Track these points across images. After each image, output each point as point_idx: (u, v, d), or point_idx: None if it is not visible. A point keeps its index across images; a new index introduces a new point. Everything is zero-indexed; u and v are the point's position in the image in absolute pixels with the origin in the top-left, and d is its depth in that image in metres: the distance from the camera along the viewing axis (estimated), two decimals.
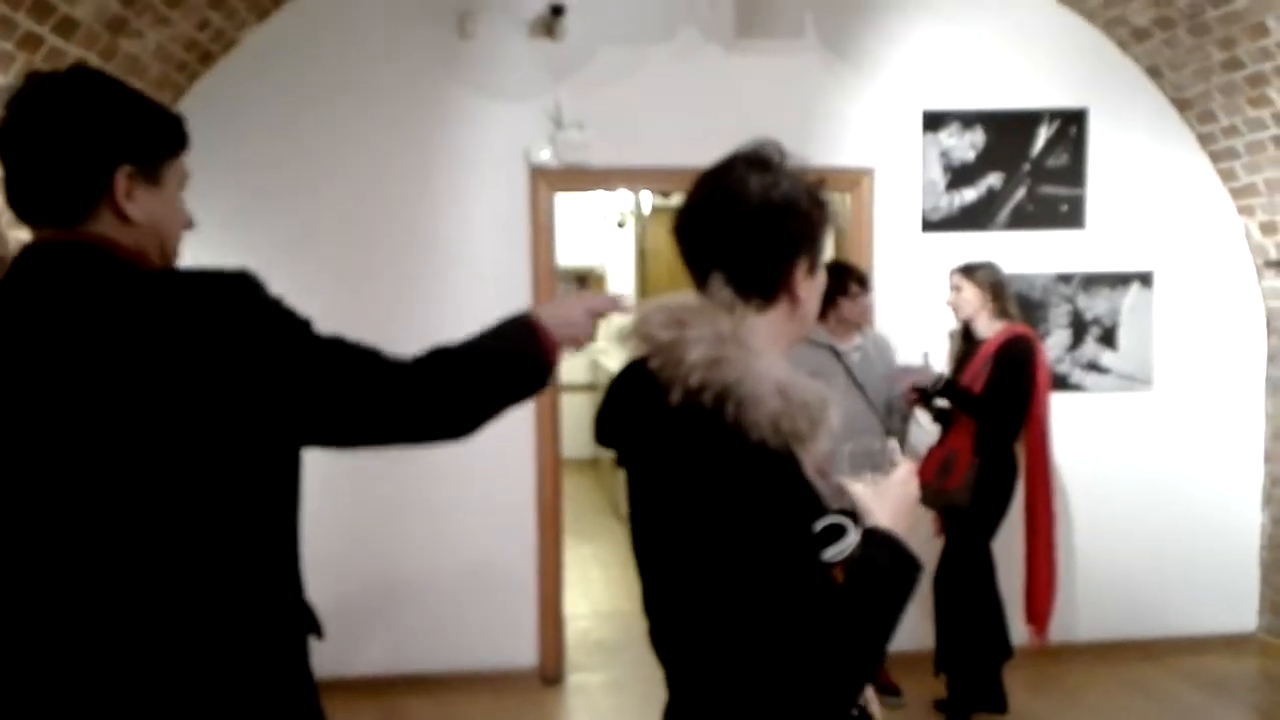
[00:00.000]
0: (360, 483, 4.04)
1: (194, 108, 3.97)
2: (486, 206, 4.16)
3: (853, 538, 1.24)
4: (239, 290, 1.28)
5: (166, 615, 1.23)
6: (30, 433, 1.21)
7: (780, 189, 1.29)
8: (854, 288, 3.83)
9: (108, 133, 1.28)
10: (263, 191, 4.04)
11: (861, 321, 3.90)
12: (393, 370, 1.35)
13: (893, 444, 1.37)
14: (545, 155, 4.12)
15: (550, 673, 4.25)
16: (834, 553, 1.22)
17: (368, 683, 4.06)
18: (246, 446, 1.25)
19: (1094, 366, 4.46)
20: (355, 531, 4.08)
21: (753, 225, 1.28)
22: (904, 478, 1.32)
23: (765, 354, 1.24)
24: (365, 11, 4.06)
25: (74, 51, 3.05)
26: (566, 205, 4.91)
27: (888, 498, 1.30)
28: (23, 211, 1.30)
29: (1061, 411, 4.22)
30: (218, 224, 3.99)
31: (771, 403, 1.18)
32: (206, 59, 3.91)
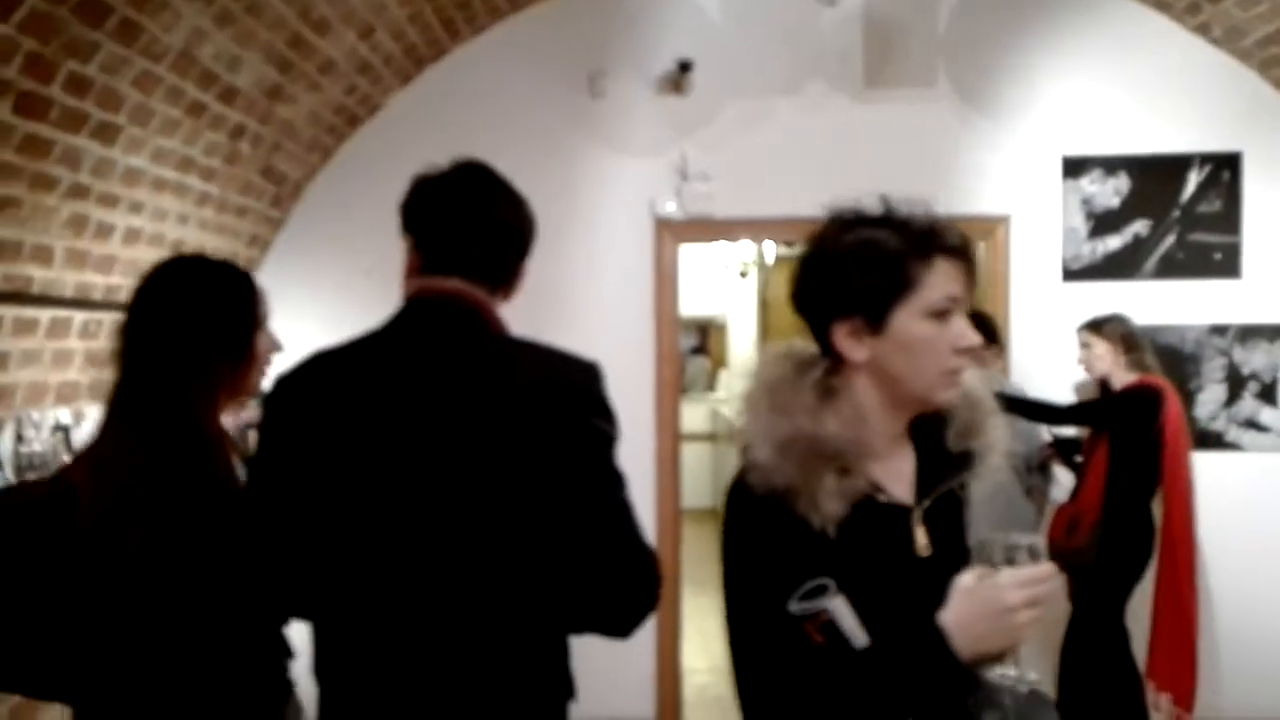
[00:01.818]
0: None
1: (340, 169, 4.20)
2: (614, 258, 4.22)
3: (827, 601, 1.19)
4: (592, 375, 1.53)
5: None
6: (432, 445, 1.45)
7: (837, 244, 1.30)
8: None
9: (530, 231, 1.76)
10: (403, 250, 4.21)
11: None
12: (637, 550, 1.48)
13: (1036, 540, 1.24)
14: (670, 207, 4.17)
15: None
16: (799, 608, 1.19)
17: None
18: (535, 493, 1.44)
19: (1252, 424, 4.16)
20: None
21: (798, 281, 1.33)
22: (1012, 581, 1.16)
23: (798, 410, 1.24)
24: (501, 75, 4.22)
25: (235, 117, 3.27)
26: (691, 256, 4.95)
27: (974, 598, 1.17)
28: (466, 263, 1.58)
29: (1215, 471, 3.95)
30: (360, 280, 4.19)
31: (761, 455, 1.22)
32: (353, 122, 4.13)
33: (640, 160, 4.20)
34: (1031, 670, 1.22)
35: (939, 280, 1.23)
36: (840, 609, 1.18)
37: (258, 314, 1.74)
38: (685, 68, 4.07)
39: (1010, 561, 1.19)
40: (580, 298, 4.20)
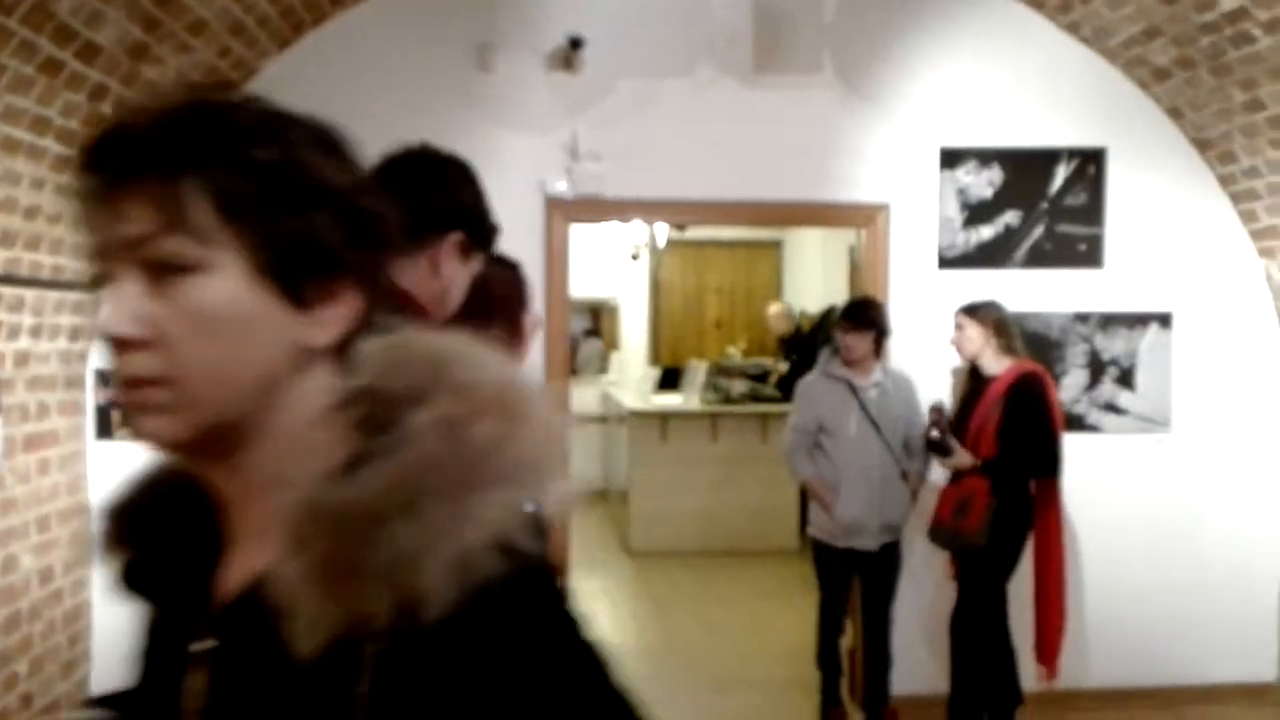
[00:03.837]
0: None
1: None
2: (503, 237, 4.15)
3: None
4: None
5: None
6: None
7: None
8: (840, 325, 3.88)
9: (466, 204, 1.55)
10: None
11: (850, 358, 3.87)
12: None
13: None
14: (561, 186, 4.13)
15: None
16: None
17: None
18: None
19: (1111, 407, 4.40)
20: None
21: None
22: None
23: None
24: (385, 43, 4.09)
25: (95, 76, 3.07)
26: (582, 237, 4.92)
27: None
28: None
29: (1078, 452, 4.17)
30: None
31: None
32: (226, 87, 3.92)
33: (530, 137, 4.13)
34: None
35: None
36: None
37: (526, 296, 2.02)
38: (576, 45, 4.02)
39: None
40: None
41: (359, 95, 4.07)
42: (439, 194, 1.52)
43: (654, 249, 9.10)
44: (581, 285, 6.83)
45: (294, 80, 4.04)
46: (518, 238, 4.18)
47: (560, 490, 0.73)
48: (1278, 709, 4.37)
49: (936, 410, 3.76)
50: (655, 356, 9.57)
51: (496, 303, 1.98)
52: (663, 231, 8.58)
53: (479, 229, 1.57)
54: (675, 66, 4.20)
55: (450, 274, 1.53)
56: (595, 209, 4.22)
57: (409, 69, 4.09)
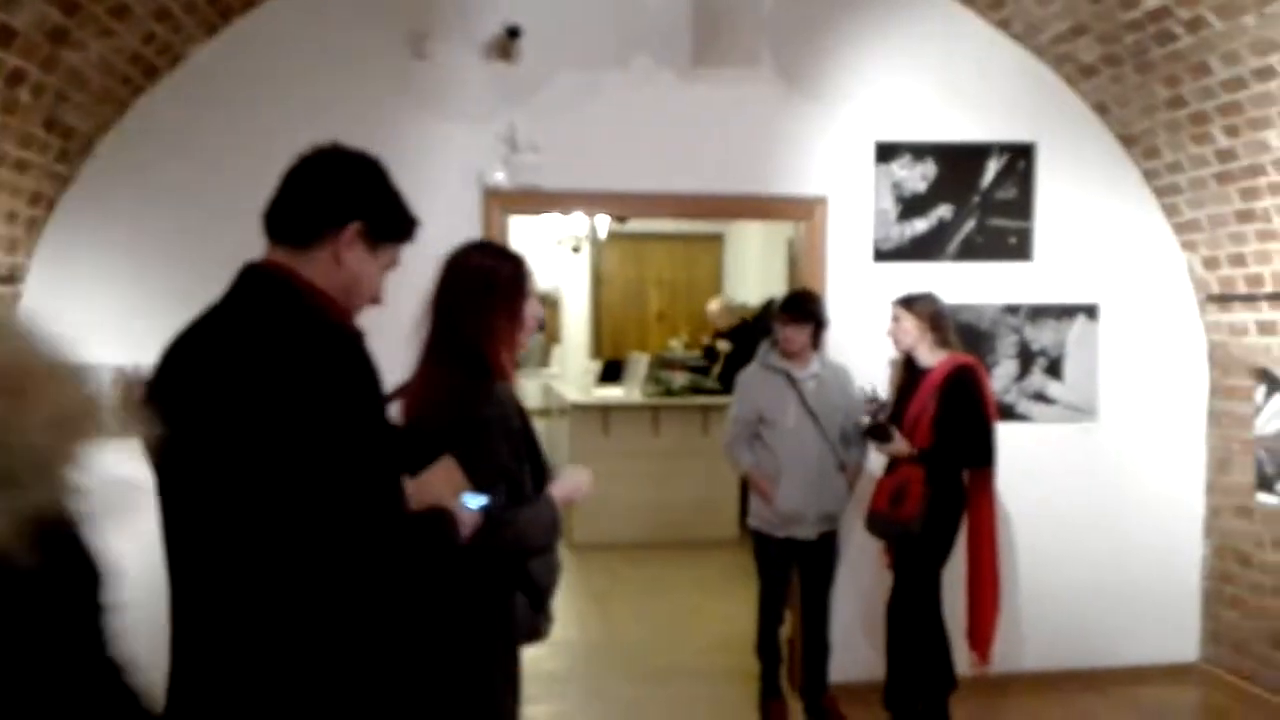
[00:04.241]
0: None
1: (137, 124, 3.89)
2: (440, 228, 4.07)
3: None
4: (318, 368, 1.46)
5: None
6: (174, 418, 1.42)
7: None
8: (779, 317, 3.91)
9: (362, 194, 1.59)
10: (207, 213, 3.94)
11: (789, 350, 3.91)
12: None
13: None
14: (499, 177, 4.09)
15: None
16: None
17: None
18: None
19: (1040, 397, 4.51)
20: None
21: None
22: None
23: None
24: (316, 30, 4.01)
25: (11, 60, 2.96)
26: (522, 229, 4.88)
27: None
28: (272, 227, 1.58)
29: (1009, 441, 4.25)
30: (158, 240, 3.90)
31: None
32: (152, 73, 3.82)
33: (467, 127, 4.09)
34: None
35: None
36: None
37: (528, 287, 2.16)
38: (514, 34, 3.98)
39: None
40: (403, 270, 4.05)
41: (289, 84, 3.99)
42: (336, 188, 1.58)
43: (595, 241, 9.08)
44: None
45: (222, 68, 3.94)
46: (455, 229, 4.12)
47: (66, 486, 0.62)
48: (1199, 688, 4.52)
49: (871, 400, 3.81)
50: (597, 349, 9.56)
51: (499, 292, 2.11)
52: (603, 224, 8.56)
53: (381, 219, 1.60)
54: (613, 58, 4.18)
55: (355, 264, 1.57)
56: (534, 201, 4.19)
57: (342, 57, 4.01)
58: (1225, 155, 3.99)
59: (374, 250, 1.60)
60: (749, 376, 4.08)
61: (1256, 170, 3.89)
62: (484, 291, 2.13)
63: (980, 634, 3.88)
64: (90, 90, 3.51)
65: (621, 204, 4.45)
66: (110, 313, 3.84)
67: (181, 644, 1.48)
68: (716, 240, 9.97)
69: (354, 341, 1.53)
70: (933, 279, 4.26)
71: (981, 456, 3.73)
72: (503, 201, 4.14)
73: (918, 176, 4.40)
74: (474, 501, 1.76)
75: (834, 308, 4.25)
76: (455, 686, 2.02)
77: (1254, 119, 3.74)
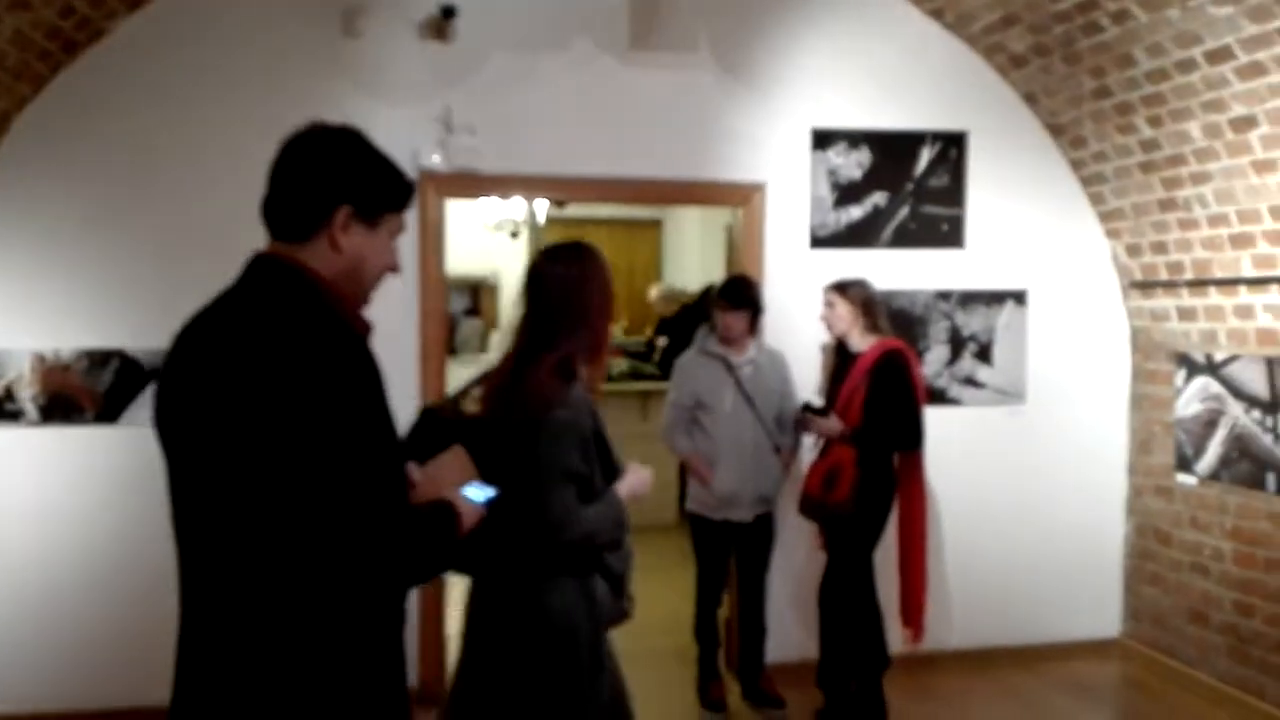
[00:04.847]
0: None
1: (56, 100, 3.75)
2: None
3: None
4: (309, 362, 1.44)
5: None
6: (174, 405, 1.48)
7: None
8: (717, 304, 3.93)
9: (341, 176, 1.55)
10: (132, 193, 3.83)
11: (727, 336, 3.94)
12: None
13: None
14: (435, 159, 4.04)
15: (430, 694, 4.14)
16: None
17: None
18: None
19: (971, 381, 4.60)
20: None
21: None
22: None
23: None
24: (245, 6, 3.90)
25: None
26: (459, 213, 4.81)
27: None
28: (270, 226, 1.57)
29: (940, 424, 4.34)
30: (80, 224, 3.78)
31: None
32: (71, 48, 3.69)
33: (401, 108, 4.02)
34: None
35: None
36: None
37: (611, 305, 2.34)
38: (449, 13, 3.92)
39: None
40: None
41: (215, 61, 3.88)
42: (316, 177, 1.55)
43: (533, 226, 9.02)
44: (460, 263, 6.72)
45: (146, 45, 3.82)
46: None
47: None
48: (1121, 662, 4.68)
49: (809, 409, 3.87)
50: None
51: (595, 305, 2.28)
52: (542, 208, 8.50)
53: (368, 196, 1.57)
54: (551, 40, 4.15)
55: (354, 246, 1.56)
56: (471, 184, 4.14)
57: (270, 33, 3.92)
58: (1149, 145, 4.10)
59: (373, 226, 1.58)
60: (687, 362, 4.10)
61: (1178, 160, 4.01)
62: (576, 298, 2.26)
63: (912, 613, 3.95)
64: (5, 66, 3.38)
65: (560, 188, 4.42)
66: (28, 298, 3.71)
67: (189, 627, 1.50)
68: (655, 226, 9.98)
69: (358, 337, 1.54)
70: (868, 265, 4.32)
71: (910, 439, 3.80)
72: (439, 185, 4.09)
73: (853, 164, 4.45)
74: (480, 493, 1.75)
75: (771, 294, 4.28)
76: (546, 673, 2.17)
77: (1176, 110, 3.85)
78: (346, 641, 1.46)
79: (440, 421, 2.27)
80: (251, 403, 1.37)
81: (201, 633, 1.47)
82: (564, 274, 2.29)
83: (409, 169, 3.99)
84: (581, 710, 2.20)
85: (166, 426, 1.50)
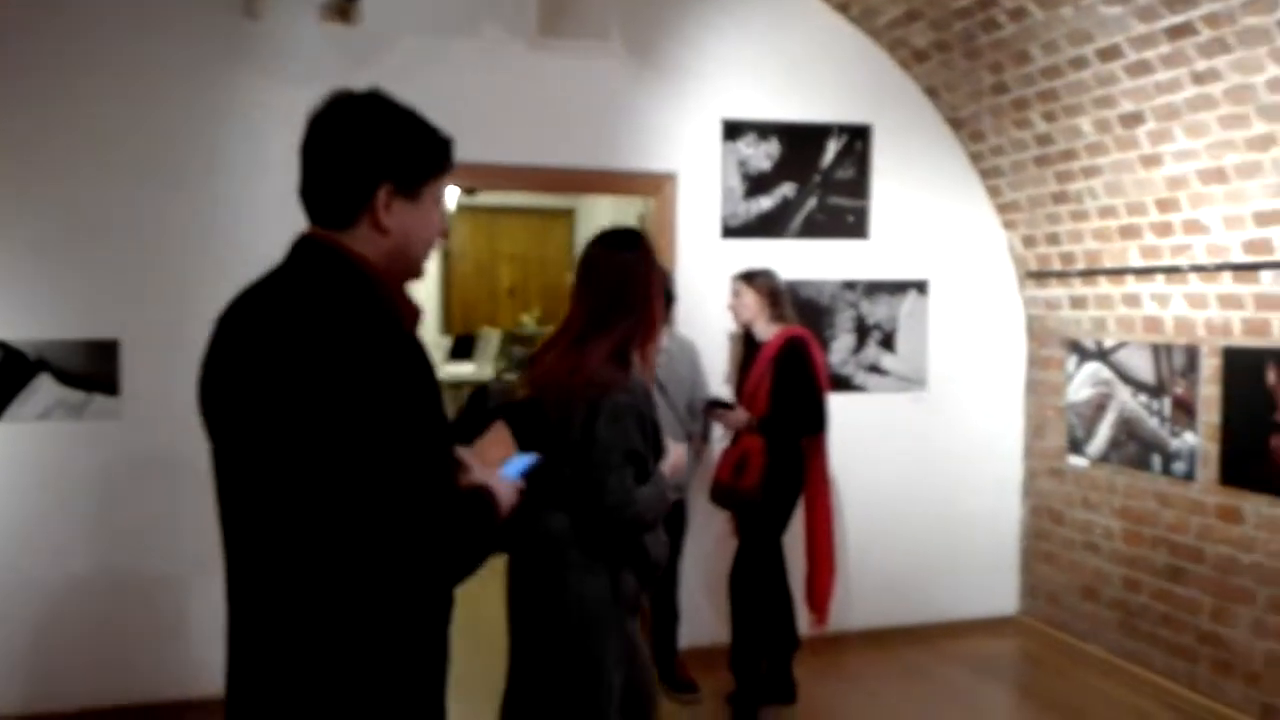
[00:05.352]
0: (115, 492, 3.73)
1: None
2: (273, 199, 3.92)
3: None
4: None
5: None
6: (218, 391, 1.46)
7: None
8: None
9: (375, 156, 1.47)
10: (17, 188, 3.65)
11: None
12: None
13: None
14: None
15: None
16: None
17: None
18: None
19: (875, 368, 4.72)
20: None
21: None
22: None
23: None
24: None
25: None
26: None
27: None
28: (309, 212, 1.51)
29: (846, 411, 4.44)
30: None
31: None
32: None
33: (304, 92, 3.86)
34: None
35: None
36: None
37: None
38: None
39: None
40: (239, 244, 3.87)
41: (110, 44, 3.72)
42: (348, 159, 1.47)
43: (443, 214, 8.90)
44: None
45: (31, 27, 3.64)
46: (292, 200, 3.95)
47: None
48: (1017, 638, 4.86)
49: (717, 404, 3.92)
50: (447, 325, 9.39)
51: (653, 290, 2.32)
52: (452, 196, 8.39)
53: (406, 169, 1.50)
54: (459, 25, 4.09)
55: (400, 223, 1.48)
56: None
57: (166, 15, 3.77)
58: (1043, 139, 4.25)
59: (415, 198, 1.51)
60: None
61: (1070, 154, 4.17)
62: (632, 284, 2.29)
63: (818, 595, 4.04)
64: None
65: (469, 175, 4.36)
66: None
67: (238, 617, 1.47)
68: (568, 215, 9.95)
69: (403, 325, 1.48)
70: (778, 255, 4.38)
71: (813, 424, 3.87)
72: None
73: (763, 155, 4.50)
74: (519, 465, 1.71)
75: (683, 283, 4.31)
76: (569, 658, 2.22)
77: (1069, 105, 4.00)
78: (392, 631, 1.42)
79: (491, 402, 2.40)
80: (296, 391, 1.33)
81: (250, 623, 1.44)
82: (620, 259, 2.33)
83: None
84: (601, 703, 2.26)
85: (211, 414, 1.47)
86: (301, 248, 1.50)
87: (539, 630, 2.29)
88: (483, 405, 2.43)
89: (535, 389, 2.32)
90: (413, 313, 1.53)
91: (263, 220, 3.92)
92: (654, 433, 2.33)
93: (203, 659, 3.66)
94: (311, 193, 1.50)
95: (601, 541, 2.26)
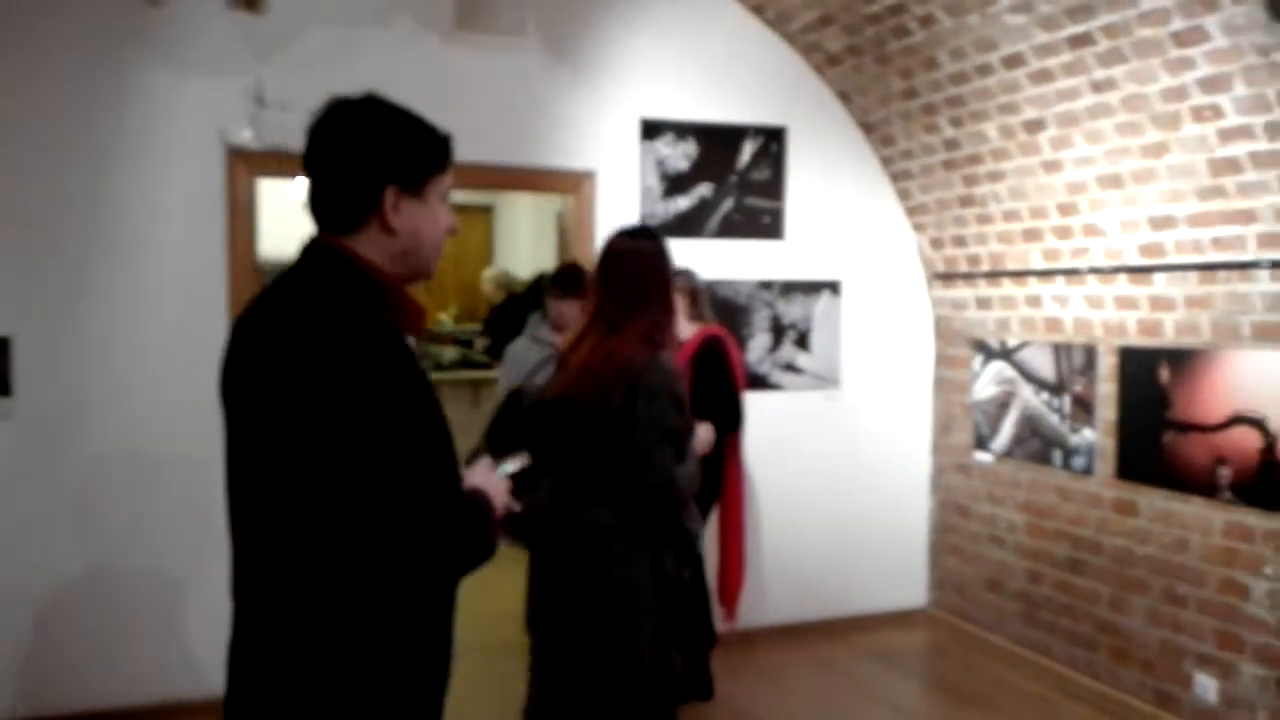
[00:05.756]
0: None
1: None
2: (176, 189, 3.80)
3: None
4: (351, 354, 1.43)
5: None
6: (233, 393, 1.50)
7: None
8: (550, 292, 3.93)
9: (379, 158, 1.50)
10: None
11: (560, 324, 3.94)
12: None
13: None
14: (245, 136, 3.83)
15: None
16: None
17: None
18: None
19: (790, 367, 4.78)
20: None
21: None
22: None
23: None
24: None
25: None
26: (275, 193, 4.57)
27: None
28: (316, 220, 1.54)
29: (762, 409, 4.49)
30: None
31: None
32: None
33: (207, 81, 3.79)
34: None
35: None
36: None
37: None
38: None
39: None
40: (134, 234, 3.73)
41: (7, 33, 3.55)
42: (351, 165, 1.50)
43: None
44: (275, 247, 6.38)
45: None
46: (194, 190, 3.84)
47: None
48: (926, 631, 4.98)
49: None
50: None
51: (666, 274, 2.43)
52: None
53: (410, 168, 1.53)
54: (371, 16, 4.01)
55: (407, 224, 1.52)
56: (285, 162, 3.93)
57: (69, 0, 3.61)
58: (950, 144, 4.36)
59: (421, 195, 1.53)
60: (518, 350, 4.07)
61: (976, 159, 4.28)
62: (655, 272, 2.41)
63: (728, 593, 4.07)
64: None
65: None
66: None
67: (242, 614, 1.50)
68: (487, 212, 9.84)
69: (403, 330, 1.51)
70: (695, 255, 4.40)
71: (730, 422, 3.90)
72: (249, 163, 3.88)
73: (680, 155, 4.52)
74: (507, 467, 1.73)
75: None
76: (608, 640, 2.30)
77: (975, 111, 4.11)
78: (394, 627, 1.45)
79: (525, 403, 2.44)
80: (297, 393, 1.36)
81: (254, 621, 1.47)
82: (642, 249, 2.46)
83: (215, 146, 3.81)
84: (638, 686, 2.33)
85: (229, 412, 1.51)
86: (310, 252, 1.53)
87: (577, 620, 2.35)
88: (517, 407, 2.46)
89: (570, 385, 2.38)
90: (419, 314, 1.56)
91: (165, 211, 3.79)
92: (684, 411, 2.41)
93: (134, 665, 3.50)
94: (318, 201, 1.53)
95: (645, 523, 2.33)
